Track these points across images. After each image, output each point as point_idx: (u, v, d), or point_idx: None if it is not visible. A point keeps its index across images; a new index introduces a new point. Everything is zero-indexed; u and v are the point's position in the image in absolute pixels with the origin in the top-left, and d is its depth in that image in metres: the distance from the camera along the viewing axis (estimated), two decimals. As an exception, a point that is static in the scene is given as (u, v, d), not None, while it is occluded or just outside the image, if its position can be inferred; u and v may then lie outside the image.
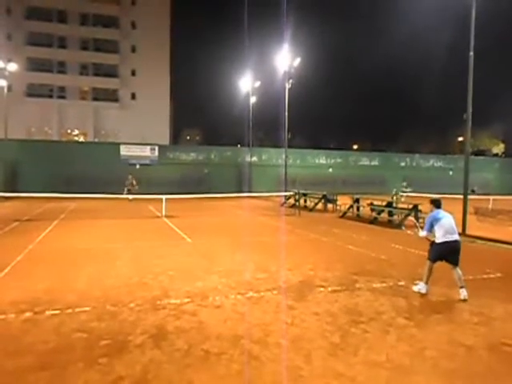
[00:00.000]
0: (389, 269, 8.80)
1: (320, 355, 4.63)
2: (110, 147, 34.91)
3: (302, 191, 23.95)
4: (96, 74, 54.80)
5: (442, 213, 7.02)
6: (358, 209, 19.43)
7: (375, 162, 42.57)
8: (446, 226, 6.83)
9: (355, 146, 71.63)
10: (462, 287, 6.79)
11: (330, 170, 40.22)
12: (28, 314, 5.77)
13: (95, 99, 54.77)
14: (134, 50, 55.98)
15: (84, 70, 54.92)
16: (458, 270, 6.82)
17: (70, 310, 5.95)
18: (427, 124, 69.51)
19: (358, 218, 18.55)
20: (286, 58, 25.73)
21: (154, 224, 16.15)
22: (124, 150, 34.07)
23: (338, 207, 21.62)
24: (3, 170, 29.42)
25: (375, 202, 18.55)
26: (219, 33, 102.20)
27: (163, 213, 18.56)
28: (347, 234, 13.85)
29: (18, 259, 9.27)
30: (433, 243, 7.04)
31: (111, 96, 55.17)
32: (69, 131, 53.61)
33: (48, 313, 5.85)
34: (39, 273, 8.09)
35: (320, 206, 22.71)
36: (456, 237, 6.87)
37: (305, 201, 24.08)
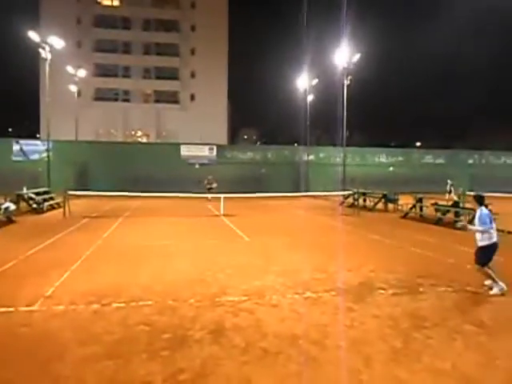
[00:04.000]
0: (456, 273, 8.30)
1: (381, 360, 4.47)
2: (171, 147, 36.10)
3: (361, 190, 23.33)
4: (158, 77, 56.95)
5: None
6: (421, 209, 18.58)
7: (440, 160, 40.41)
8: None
9: (418, 144, 68.57)
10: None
11: (391, 168, 38.83)
12: (96, 306, 6.10)
13: (157, 101, 56.90)
14: (193, 52, 57.46)
15: (147, 73, 57.26)
16: None
17: (134, 304, 6.22)
18: (500, 119, 64.86)
19: (422, 219, 17.74)
20: (344, 55, 25.23)
21: (213, 222, 16.49)
22: (184, 150, 35.15)
23: (400, 207, 20.82)
24: (75, 169, 31.49)
25: (440, 202, 17.66)
26: (276, 31, 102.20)
27: (221, 211, 18.89)
28: (410, 235, 13.30)
29: (87, 253, 9.86)
30: (483, 248, 6.73)
31: (172, 98, 57.03)
32: (133, 132, 56.18)
33: (114, 305, 6.15)
34: (106, 267, 8.55)
35: (380, 205, 22.02)
36: None
37: (364, 200, 23.44)
